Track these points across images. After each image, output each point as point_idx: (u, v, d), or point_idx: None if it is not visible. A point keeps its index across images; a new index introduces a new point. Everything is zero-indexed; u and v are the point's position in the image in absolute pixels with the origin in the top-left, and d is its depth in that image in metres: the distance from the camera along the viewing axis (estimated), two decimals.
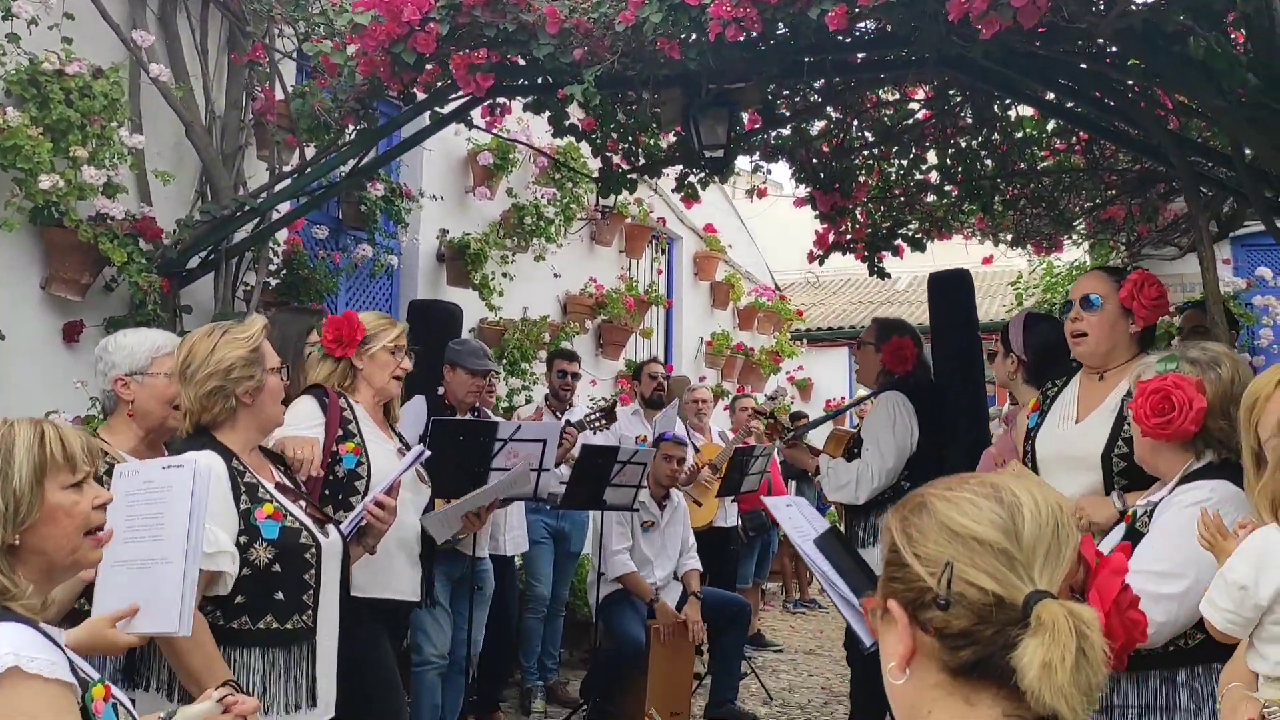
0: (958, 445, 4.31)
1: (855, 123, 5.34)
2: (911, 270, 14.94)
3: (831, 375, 14.18)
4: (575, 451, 5.32)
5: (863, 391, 4.98)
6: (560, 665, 6.29)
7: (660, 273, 10.16)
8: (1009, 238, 6.09)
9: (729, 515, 7.21)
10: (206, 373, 2.49)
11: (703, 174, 5.12)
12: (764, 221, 14.13)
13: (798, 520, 2.46)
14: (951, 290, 4.65)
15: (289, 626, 2.49)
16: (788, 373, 12.67)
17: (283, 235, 5.23)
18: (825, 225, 5.62)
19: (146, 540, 2.14)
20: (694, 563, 6.05)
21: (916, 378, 4.51)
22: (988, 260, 6.97)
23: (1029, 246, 6.45)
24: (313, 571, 2.55)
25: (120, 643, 2.06)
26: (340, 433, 3.14)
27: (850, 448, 4.59)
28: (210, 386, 2.49)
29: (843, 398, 13.93)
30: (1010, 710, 1.10)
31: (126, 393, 2.87)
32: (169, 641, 2.26)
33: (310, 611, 2.54)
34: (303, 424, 3.06)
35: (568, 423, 5.41)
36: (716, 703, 5.83)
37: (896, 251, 5.82)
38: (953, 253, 6.73)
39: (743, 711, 5.87)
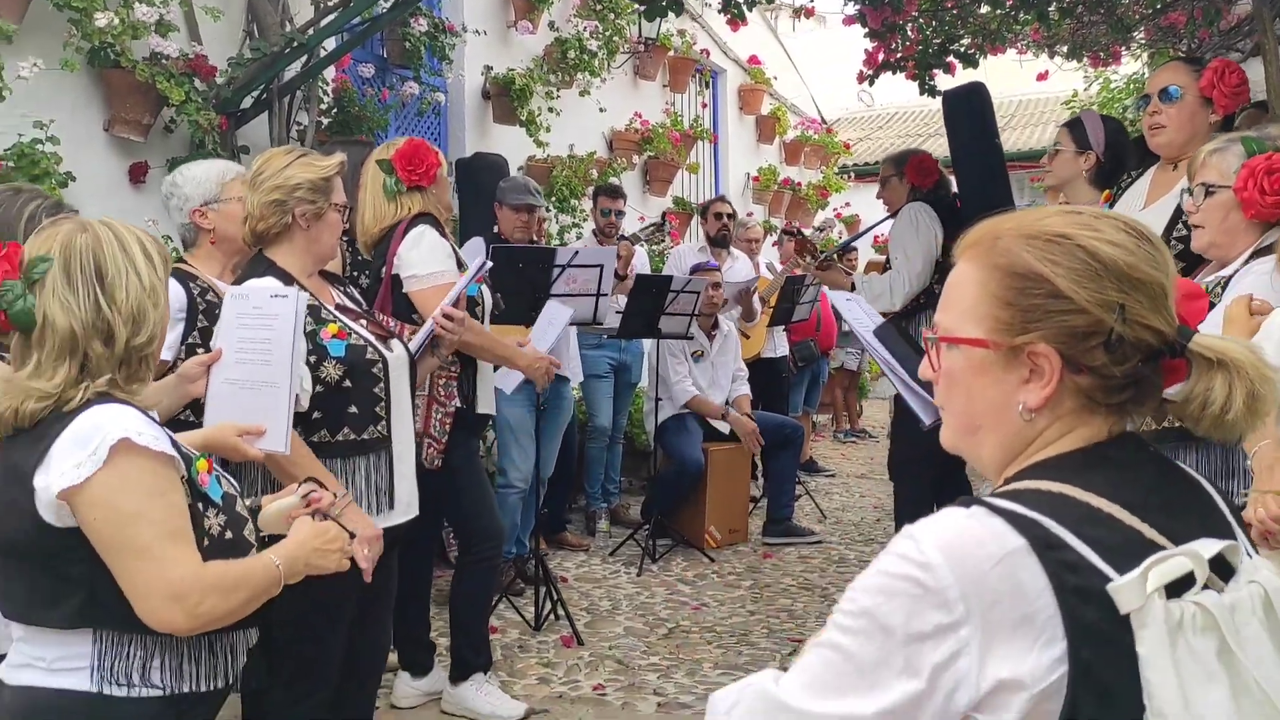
0: None
1: None
2: None
3: (879, 210, 13.99)
4: (632, 274, 5.41)
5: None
6: (620, 491, 6.55)
7: (705, 106, 10.01)
8: (1065, 50, 5.91)
9: (778, 346, 7.31)
10: (273, 184, 2.57)
11: None
12: (809, 55, 13.77)
13: (857, 313, 2.54)
14: (966, 106, 4.51)
15: (365, 437, 2.63)
16: (835, 208, 12.55)
17: (331, 74, 5.25)
18: (875, 44, 5.50)
19: (256, 363, 2.28)
20: (744, 388, 6.21)
21: (940, 190, 4.55)
22: (1042, 76, 6.79)
23: (1085, 59, 6.26)
24: (382, 385, 2.66)
25: (244, 452, 2.19)
26: (454, 261, 3.27)
27: (884, 268, 4.66)
28: (272, 198, 2.56)
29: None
30: (1119, 429, 1.15)
31: (205, 222, 2.98)
32: (277, 462, 2.41)
33: (384, 422, 2.67)
34: (446, 253, 3.20)
35: (621, 237, 5.50)
36: (774, 520, 6.06)
37: (948, 69, 5.70)
38: (1006, 70, 6.56)
39: (799, 526, 6.10)
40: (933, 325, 1.23)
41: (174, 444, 1.72)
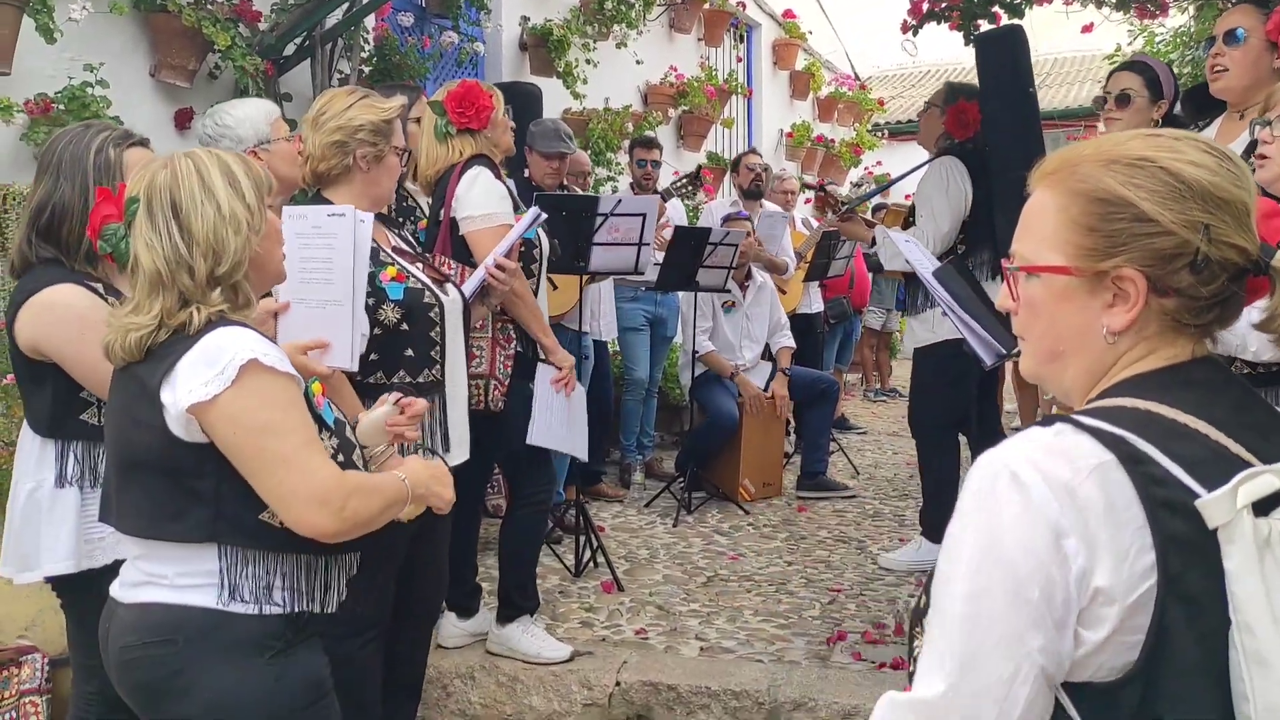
0: (1005, 212, 4.20)
1: None
2: None
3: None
4: (666, 233, 5.40)
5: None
6: (654, 445, 6.58)
7: (740, 60, 9.92)
8: (1113, 0, 5.80)
9: (813, 301, 7.29)
10: (335, 125, 2.57)
11: None
12: (844, 11, 13.59)
13: (916, 254, 2.54)
14: (999, 48, 4.35)
15: (420, 380, 2.64)
16: (866, 167, 12.44)
17: (371, 24, 5.23)
18: None
19: (319, 282, 2.30)
20: (787, 340, 6.19)
21: (975, 144, 4.42)
22: (1088, 29, 6.66)
23: (1133, 11, 6.14)
24: (438, 329, 2.68)
25: (312, 369, 2.21)
26: (511, 203, 3.27)
27: (907, 219, 4.59)
28: (334, 139, 2.57)
29: None
30: (1201, 352, 1.15)
31: (259, 163, 2.98)
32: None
33: (439, 365, 2.69)
34: (501, 195, 3.21)
35: (655, 191, 5.48)
36: (808, 474, 6.07)
37: (994, 19, 5.59)
38: (1050, 22, 6.45)
39: (833, 481, 6.11)
40: (1010, 254, 1.24)
41: None
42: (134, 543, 1.73)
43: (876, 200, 11.00)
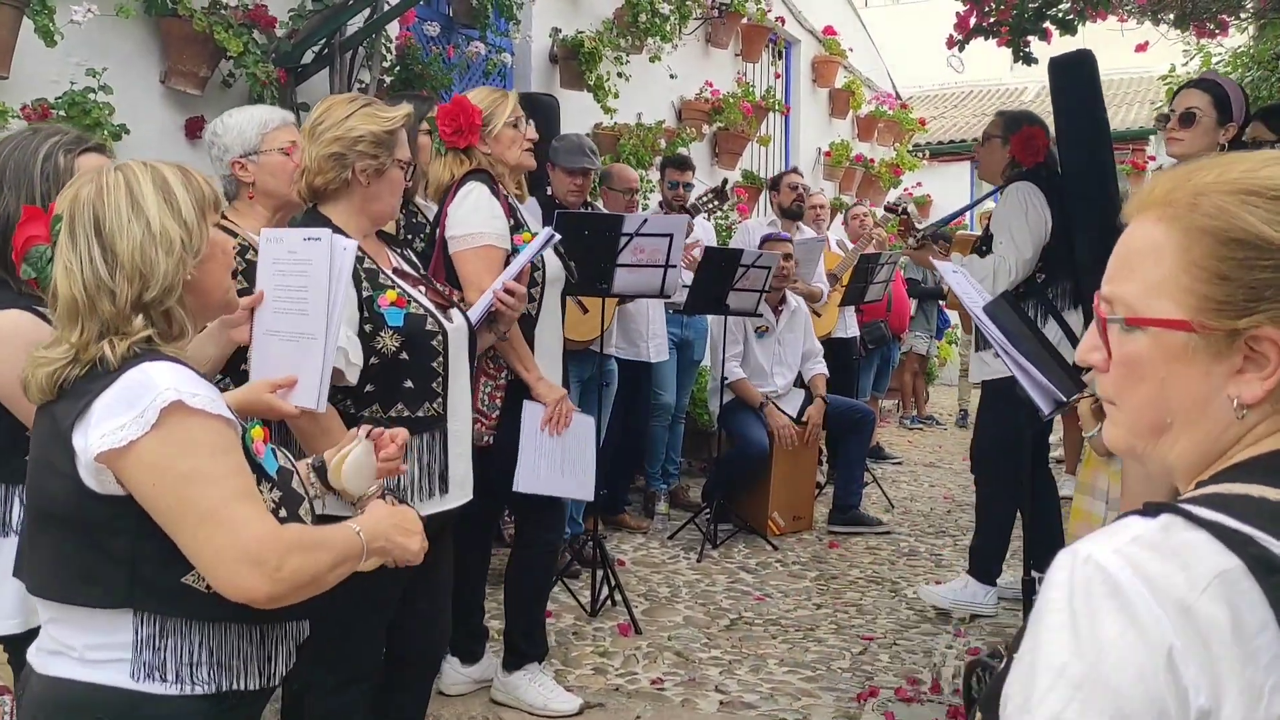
0: (1085, 234, 4.00)
1: None
2: (1040, 80, 14.00)
3: (953, 191, 13.57)
4: (697, 252, 5.18)
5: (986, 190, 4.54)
6: (680, 473, 6.34)
7: (778, 77, 9.68)
8: (1171, 17, 5.53)
9: (849, 326, 7.02)
10: (333, 135, 2.37)
11: None
12: (885, 29, 13.35)
13: (965, 287, 2.28)
14: (1074, 73, 4.16)
15: (419, 414, 2.41)
16: (906, 188, 12.16)
17: (394, 31, 5.06)
18: (968, 6, 5.17)
19: (293, 313, 2.08)
20: (820, 367, 5.94)
21: (1047, 168, 4.19)
22: (1142, 48, 6.38)
23: (1191, 29, 5.86)
24: (440, 359, 2.45)
25: (279, 409, 2.02)
26: (511, 221, 3.04)
27: (977, 247, 4.34)
28: (332, 151, 2.37)
29: (962, 219, 13.37)
30: None
31: (245, 175, 2.79)
32: (300, 430, 2.23)
33: (440, 399, 2.46)
34: (492, 214, 2.97)
35: (681, 208, 5.26)
36: (840, 507, 5.80)
37: (1044, 35, 5.34)
38: (1103, 41, 6.17)
39: (867, 515, 5.84)
40: (1101, 297, 0.99)
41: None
42: (43, 605, 1.52)
43: (942, 217, 10.74)
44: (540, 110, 4.97)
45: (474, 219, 2.94)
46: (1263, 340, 0.88)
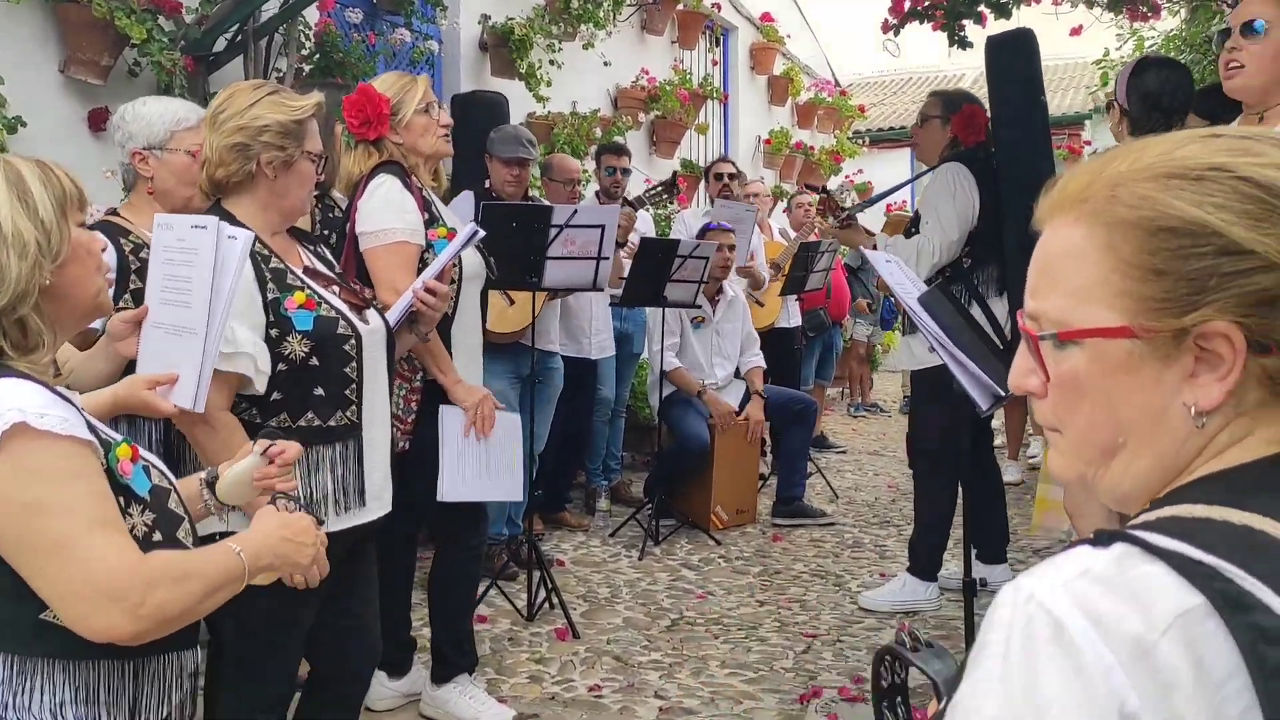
0: (1016, 218, 3.95)
1: None
2: (977, 66, 14.05)
3: (893, 178, 13.59)
4: (634, 238, 5.05)
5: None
6: (622, 467, 6.22)
7: (715, 64, 9.58)
8: (1105, 0, 5.50)
9: (791, 315, 6.95)
10: (236, 125, 2.19)
11: None
12: (822, 15, 13.30)
13: (899, 277, 2.19)
14: (1011, 51, 4.09)
15: (332, 423, 2.26)
16: (847, 175, 12.14)
17: (313, 17, 4.86)
18: None
19: (178, 305, 1.94)
20: (757, 359, 5.85)
21: (986, 149, 4.13)
22: (1076, 31, 6.37)
23: (1124, 13, 5.85)
24: (354, 364, 2.29)
25: (154, 406, 1.87)
26: (426, 215, 2.88)
27: (908, 229, 4.27)
28: (234, 141, 2.20)
29: (904, 202, 13.41)
30: None
31: (145, 168, 2.62)
32: (198, 443, 2.09)
33: (354, 406, 2.30)
34: (403, 208, 2.81)
35: (624, 202, 5.12)
36: (784, 499, 5.73)
37: (979, 19, 5.30)
38: (1037, 24, 6.14)
39: (810, 507, 5.77)
40: (1026, 315, 0.88)
41: (91, 427, 1.39)
42: None
43: (869, 198, 10.71)
44: (488, 108, 4.83)
45: (384, 214, 2.79)
46: (1212, 337, 0.78)
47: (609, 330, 5.45)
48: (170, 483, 1.54)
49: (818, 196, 4.73)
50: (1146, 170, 0.82)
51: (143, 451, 1.50)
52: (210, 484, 1.74)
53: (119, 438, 1.46)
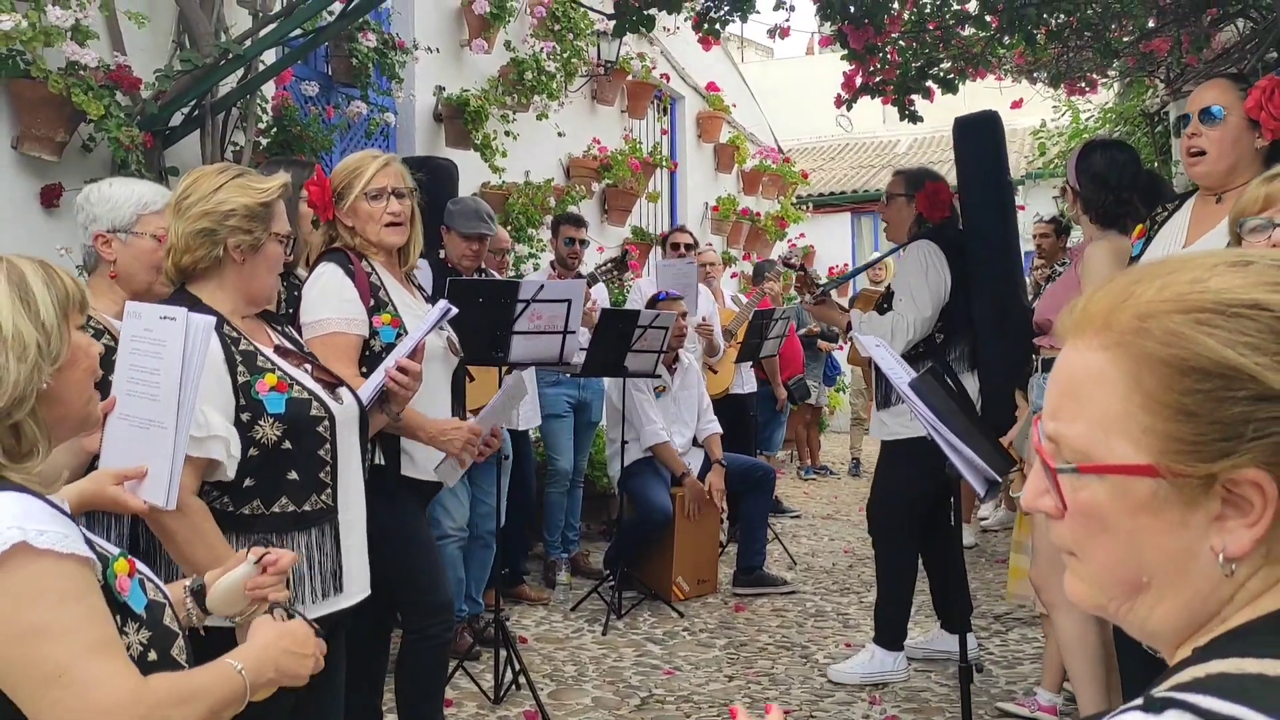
0: (983, 295, 4.04)
1: None
2: (912, 132, 14.39)
3: (834, 241, 13.86)
4: (595, 314, 5.05)
5: (886, 248, 4.55)
6: (580, 538, 6.15)
7: (664, 133, 9.72)
8: (1045, 76, 5.70)
9: (745, 381, 6.99)
10: (201, 210, 2.16)
11: (725, 9, 4.70)
12: (763, 84, 13.59)
13: (889, 361, 2.20)
14: (979, 133, 4.22)
15: (306, 508, 2.21)
16: (790, 240, 12.33)
17: (270, 91, 4.84)
18: (854, 66, 5.23)
19: (145, 397, 1.88)
20: (714, 426, 5.85)
21: (949, 226, 4.23)
22: (1017, 104, 6.59)
23: (1063, 88, 6.07)
24: (328, 445, 2.25)
25: (124, 503, 1.82)
26: (372, 302, 2.83)
27: (880, 304, 4.34)
28: (200, 226, 2.16)
29: (845, 265, 13.63)
30: None
31: (108, 251, 2.56)
32: (165, 532, 2.01)
33: (329, 490, 2.25)
34: (341, 298, 2.77)
35: (579, 275, 5.13)
36: (745, 569, 5.70)
37: (927, 94, 5.45)
38: (983, 98, 6.35)
39: (771, 575, 5.75)
40: (1045, 435, 0.85)
41: (88, 542, 1.33)
42: None
43: (845, 274, 10.87)
44: (438, 174, 4.80)
45: (321, 305, 2.75)
46: (1242, 483, 0.75)
47: (535, 401, 5.41)
48: (165, 597, 1.48)
49: (794, 273, 4.81)
50: (1176, 302, 0.78)
51: (139, 564, 1.44)
52: (195, 593, 1.67)
53: (115, 551, 1.40)
